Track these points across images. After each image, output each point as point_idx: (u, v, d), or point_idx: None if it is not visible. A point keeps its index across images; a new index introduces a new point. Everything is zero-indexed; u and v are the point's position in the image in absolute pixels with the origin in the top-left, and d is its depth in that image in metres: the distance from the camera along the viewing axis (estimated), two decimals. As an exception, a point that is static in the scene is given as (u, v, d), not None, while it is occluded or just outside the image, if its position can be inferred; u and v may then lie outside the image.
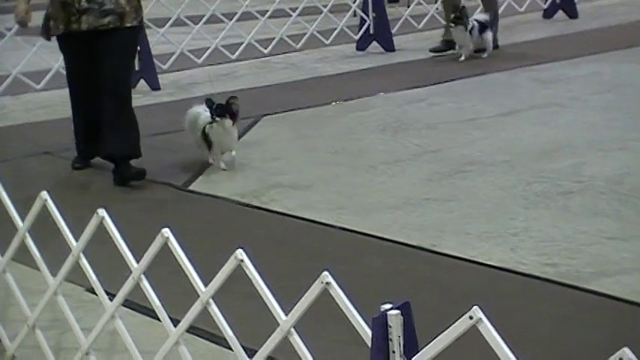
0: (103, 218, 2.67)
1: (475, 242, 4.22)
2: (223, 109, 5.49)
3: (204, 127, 5.58)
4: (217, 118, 5.47)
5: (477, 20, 8.79)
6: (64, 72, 8.45)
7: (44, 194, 2.91)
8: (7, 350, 3.18)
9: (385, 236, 4.36)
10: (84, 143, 5.79)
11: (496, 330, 1.76)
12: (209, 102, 5.55)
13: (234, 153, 5.62)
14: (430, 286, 3.76)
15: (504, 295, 3.65)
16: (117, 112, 5.35)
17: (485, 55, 8.90)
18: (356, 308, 2.04)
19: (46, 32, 5.52)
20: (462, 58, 8.81)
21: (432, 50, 9.21)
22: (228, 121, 5.48)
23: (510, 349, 1.75)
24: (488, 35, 8.88)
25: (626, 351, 1.52)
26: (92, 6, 5.23)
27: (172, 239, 2.45)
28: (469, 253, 4.08)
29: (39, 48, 8.48)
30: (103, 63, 5.30)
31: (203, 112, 5.65)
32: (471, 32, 8.69)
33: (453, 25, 8.74)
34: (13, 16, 5.52)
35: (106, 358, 3.14)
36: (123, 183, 5.35)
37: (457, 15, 8.66)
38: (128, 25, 5.31)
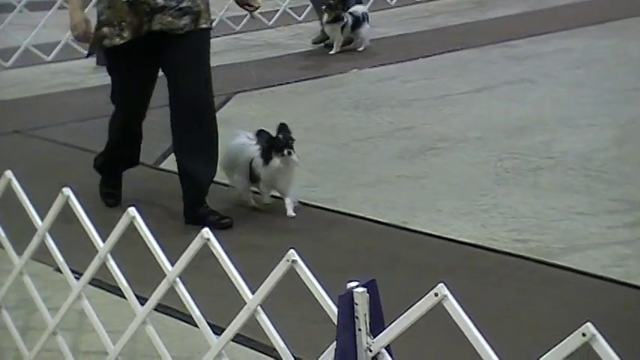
0: (68, 197, 2.64)
1: (446, 219, 4.23)
2: (284, 142, 4.42)
3: (251, 162, 4.49)
4: (285, 152, 4.37)
5: (351, 14, 8.24)
6: (34, 50, 8.41)
7: (8, 173, 2.87)
8: (-27, 331, 3.15)
9: (357, 213, 4.36)
10: (122, 168, 4.83)
11: (464, 306, 1.76)
12: (263, 133, 4.52)
13: (292, 200, 4.44)
14: (401, 264, 3.77)
15: (475, 271, 3.66)
16: (196, 132, 4.41)
17: (361, 48, 8.35)
18: (324, 286, 2.03)
19: (98, 44, 4.34)
20: (332, 51, 8.29)
21: (314, 42, 8.72)
22: (294, 157, 4.40)
23: (476, 325, 1.75)
24: (364, 29, 8.32)
25: (589, 326, 1.53)
26: (169, 3, 4.21)
27: (138, 218, 2.43)
28: (440, 230, 4.09)
29: (7, 25, 8.38)
30: (177, 75, 4.34)
31: (248, 145, 4.56)
32: (343, 27, 8.18)
33: (324, 12, 8.26)
34: (70, 28, 4.48)
35: (74, 337, 3.13)
36: (200, 221, 4.11)
37: (331, 4, 8.14)
38: (203, 26, 4.33)
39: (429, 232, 4.07)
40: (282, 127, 4.48)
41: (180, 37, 4.25)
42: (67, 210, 2.69)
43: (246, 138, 4.58)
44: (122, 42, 4.22)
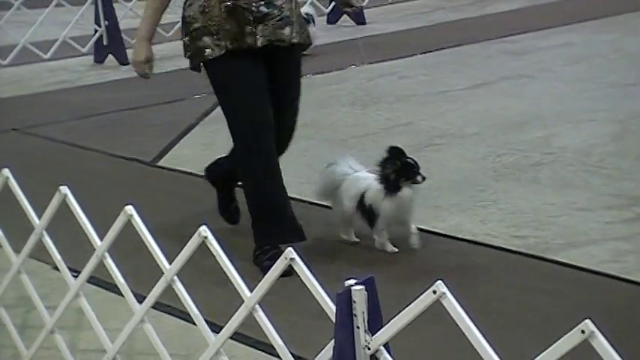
0: (65, 195, 2.63)
1: (445, 215, 4.22)
2: (415, 166, 3.81)
3: (362, 197, 3.83)
4: (419, 178, 3.78)
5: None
6: (31, 47, 8.39)
7: (5, 171, 2.86)
8: (-29, 330, 3.14)
9: (355, 210, 4.34)
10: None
11: (463, 303, 1.75)
12: (394, 152, 3.82)
13: (414, 228, 3.85)
14: (399, 260, 3.76)
15: (473, 267, 3.65)
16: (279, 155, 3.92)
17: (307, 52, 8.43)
18: (322, 283, 2.02)
19: (200, 56, 3.74)
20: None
21: None
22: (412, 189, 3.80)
23: (476, 321, 1.74)
24: (312, 31, 8.38)
25: (588, 323, 1.52)
26: (272, 11, 3.66)
27: (136, 216, 2.42)
28: (439, 225, 4.08)
29: (5, 23, 8.36)
30: (281, 97, 3.80)
31: (356, 173, 3.93)
32: None
33: None
34: (131, 63, 4.11)
35: (72, 335, 3.12)
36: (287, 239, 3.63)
37: None
38: (298, 40, 3.80)
39: (427, 228, 4.06)
40: (399, 151, 3.82)
41: (283, 51, 3.73)
42: (64, 208, 2.68)
43: (348, 167, 3.96)
44: (223, 52, 3.64)
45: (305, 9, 8.08)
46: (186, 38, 3.76)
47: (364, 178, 3.85)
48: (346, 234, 3.97)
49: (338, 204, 3.93)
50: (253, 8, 3.62)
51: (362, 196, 3.81)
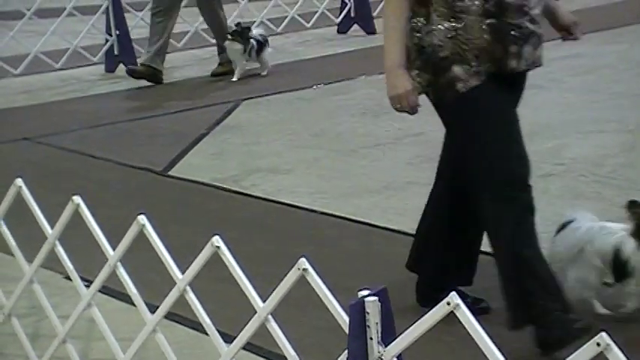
0: (78, 205, 2.64)
1: (456, 225, 4.20)
2: None
3: (616, 253, 3.16)
4: None
5: (254, 38, 7.74)
6: (43, 57, 8.43)
7: (18, 181, 2.87)
8: (-17, 338, 3.15)
9: (366, 220, 4.35)
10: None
11: (475, 314, 1.75)
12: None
13: None
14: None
15: (485, 278, 3.64)
16: None
17: (264, 73, 7.92)
18: (334, 294, 2.02)
19: (450, 91, 3.06)
20: (235, 78, 7.76)
21: (213, 74, 8.10)
22: None
23: (489, 333, 1.74)
24: (266, 53, 7.89)
25: (603, 335, 1.51)
26: (536, 29, 3.12)
27: (148, 226, 2.43)
28: (450, 236, 4.06)
29: (16, 32, 8.40)
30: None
31: (599, 230, 3.25)
32: (250, 52, 7.70)
33: (229, 38, 7.68)
34: (392, 100, 3.23)
35: (83, 345, 3.12)
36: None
37: (236, 30, 7.70)
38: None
39: (438, 238, 4.05)
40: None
41: (524, 76, 3.24)
42: (76, 217, 2.69)
43: (589, 220, 3.32)
44: (482, 80, 3.02)
45: (258, 31, 7.95)
46: (424, 72, 3.10)
47: (619, 233, 3.16)
48: (595, 303, 3.24)
49: (583, 268, 3.21)
50: (521, 24, 3.04)
51: (616, 255, 3.13)
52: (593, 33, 8.94)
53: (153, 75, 7.73)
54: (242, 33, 7.64)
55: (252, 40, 7.69)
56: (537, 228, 4.10)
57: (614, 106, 6.22)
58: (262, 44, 7.82)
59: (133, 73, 7.73)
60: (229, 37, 7.64)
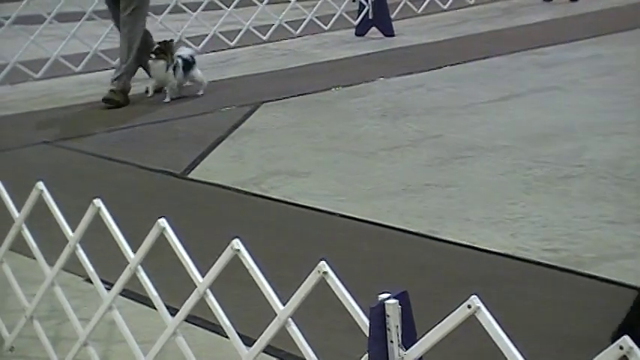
0: (99, 208, 2.65)
1: (475, 228, 4.20)
2: None
3: None
4: None
5: (180, 57, 7.29)
6: (63, 61, 8.49)
7: (40, 184, 2.89)
8: (5, 341, 3.17)
9: (384, 223, 4.34)
10: None
11: (495, 317, 1.75)
12: None
13: None
14: (430, 273, 3.75)
15: (505, 281, 3.63)
16: None
17: (200, 92, 7.45)
18: (354, 296, 2.02)
19: None
20: (167, 99, 7.30)
21: (106, 101, 7.30)
22: None
23: (509, 336, 1.74)
24: (197, 71, 7.43)
25: (626, 339, 1.51)
26: None
27: (169, 230, 2.44)
28: (469, 239, 4.07)
29: (37, 37, 8.45)
30: None
31: None
32: (175, 70, 7.21)
33: (153, 57, 7.20)
34: None
35: (104, 348, 3.14)
36: None
37: (160, 47, 7.23)
38: None
39: (457, 241, 4.05)
40: None
41: None
42: (96, 220, 2.71)
43: None
44: None
45: (188, 50, 7.52)
46: None
47: None
48: None
49: None
50: None
51: None
52: (614, 34, 8.91)
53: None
54: (166, 50, 7.21)
55: (177, 59, 7.22)
56: (556, 229, 4.10)
57: (635, 108, 6.18)
58: (190, 63, 7.31)
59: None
60: (153, 55, 7.20)
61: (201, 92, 7.47)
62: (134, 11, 7.33)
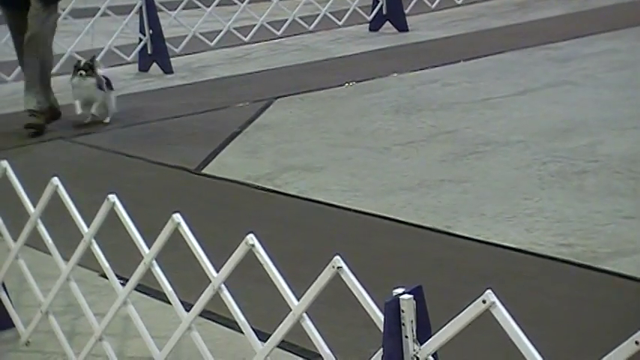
0: (114, 204, 2.66)
1: (490, 223, 4.19)
2: None
3: None
4: None
5: (104, 76, 6.67)
6: (78, 57, 8.52)
7: (55, 180, 2.90)
8: (21, 336, 3.19)
9: (399, 218, 4.34)
10: None
11: (510, 312, 1.74)
12: None
13: None
14: (445, 268, 3.74)
15: (519, 277, 3.62)
16: None
17: (107, 120, 6.62)
18: (369, 291, 2.02)
19: None
20: (107, 119, 6.61)
21: (28, 126, 6.39)
22: None
23: (524, 331, 1.73)
24: (112, 94, 6.69)
25: (642, 334, 1.50)
26: None
27: (183, 225, 2.44)
28: (484, 234, 4.05)
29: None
30: None
31: None
32: (104, 88, 6.57)
33: (81, 74, 6.46)
34: None
35: (119, 343, 3.15)
36: None
37: (89, 63, 6.54)
38: None
39: (472, 236, 4.04)
40: None
41: None
42: (111, 216, 2.71)
43: None
44: None
45: (102, 70, 6.70)
46: None
47: None
48: None
49: None
50: None
51: None
52: (629, 28, 8.85)
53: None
54: (95, 67, 6.54)
55: (102, 76, 6.59)
56: (572, 225, 4.08)
57: (650, 102, 6.15)
58: (110, 84, 6.68)
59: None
60: (81, 72, 6.46)
61: (107, 120, 6.59)
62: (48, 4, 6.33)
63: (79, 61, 6.63)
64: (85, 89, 6.50)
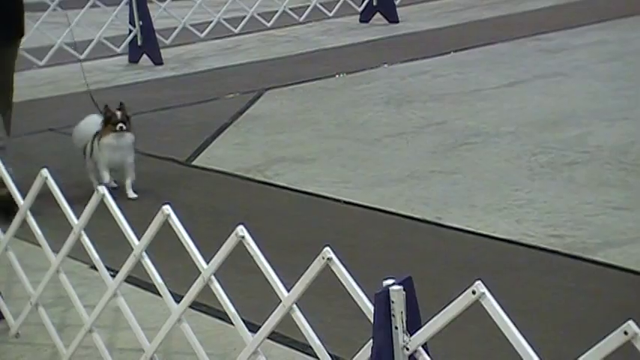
0: (103, 195, 2.65)
1: (480, 214, 4.20)
2: None
3: None
4: None
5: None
6: (67, 48, 8.48)
7: (45, 172, 2.89)
8: (10, 328, 3.18)
9: (389, 209, 4.34)
10: None
11: (500, 303, 1.74)
12: None
13: None
14: (435, 259, 3.75)
15: (510, 267, 3.63)
16: None
17: (134, 194, 4.73)
18: (359, 283, 2.02)
19: None
20: (133, 194, 4.70)
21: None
22: None
23: (514, 322, 1.73)
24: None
25: (631, 324, 1.50)
26: None
27: (173, 216, 2.44)
28: (474, 225, 4.06)
29: (41, 24, 8.43)
30: None
31: None
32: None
33: (121, 128, 4.64)
34: None
35: (109, 335, 3.14)
36: None
37: (125, 114, 4.74)
38: None
39: (462, 227, 4.04)
40: None
41: None
42: (101, 208, 2.71)
43: None
44: None
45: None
46: None
47: None
48: None
49: None
50: None
51: None
52: (619, 19, 8.86)
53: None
54: (129, 117, 4.78)
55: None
56: (562, 216, 4.09)
57: (640, 94, 6.16)
58: None
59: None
60: (121, 125, 4.66)
61: (134, 195, 4.72)
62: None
63: (109, 110, 4.77)
64: (121, 150, 4.69)
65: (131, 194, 4.72)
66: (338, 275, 1.99)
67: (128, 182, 4.75)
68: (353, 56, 8.18)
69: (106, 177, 4.69)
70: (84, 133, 4.93)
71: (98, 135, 4.77)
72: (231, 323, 2.35)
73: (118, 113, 4.75)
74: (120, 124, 4.70)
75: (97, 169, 4.75)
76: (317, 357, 2.09)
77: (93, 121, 4.90)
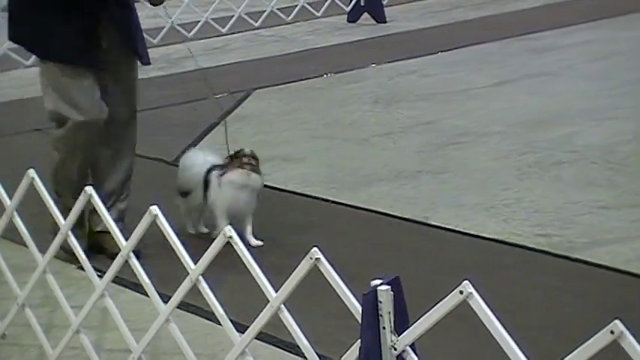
0: (90, 196, 2.64)
1: (468, 214, 4.20)
2: None
3: None
4: None
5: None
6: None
7: (31, 172, 2.88)
8: (-3, 329, 3.17)
9: (377, 209, 4.34)
10: None
11: (487, 303, 1.75)
12: None
13: None
14: (423, 259, 3.75)
15: (497, 267, 3.64)
16: None
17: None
18: (346, 283, 2.02)
19: None
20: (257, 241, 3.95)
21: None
22: None
23: (501, 321, 1.74)
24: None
25: (618, 323, 1.51)
26: None
27: (161, 217, 2.43)
28: (462, 225, 4.07)
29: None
30: None
31: None
32: None
33: (252, 165, 3.95)
34: None
35: (97, 335, 3.13)
36: None
37: (252, 153, 4.00)
38: None
39: (450, 227, 4.05)
40: None
41: None
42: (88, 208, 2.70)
43: None
44: None
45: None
46: None
47: None
48: None
49: None
50: None
51: None
52: (607, 19, 8.89)
53: None
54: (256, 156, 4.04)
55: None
56: (549, 215, 4.10)
57: (628, 93, 6.18)
58: None
59: None
60: (252, 161, 3.97)
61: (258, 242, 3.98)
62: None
63: (238, 152, 4.00)
64: (249, 194, 3.97)
65: (254, 241, 3.89)
66: (326, 275, 1.99)
67: (249, 229, 3.93)
68: (341, 56, 8.18)
69: (223, 223, 3.75)
70: (194, 170, 4.06)
71: (218, 171, 3.93)
72: (219, 323, 2.34)
73: (247, 150, 3.98)
74: (252, 160, 3.93)
75: (213, 214, 3.91)
76: (305, 357, 2.09)
77: (200, 156, 4.11)
